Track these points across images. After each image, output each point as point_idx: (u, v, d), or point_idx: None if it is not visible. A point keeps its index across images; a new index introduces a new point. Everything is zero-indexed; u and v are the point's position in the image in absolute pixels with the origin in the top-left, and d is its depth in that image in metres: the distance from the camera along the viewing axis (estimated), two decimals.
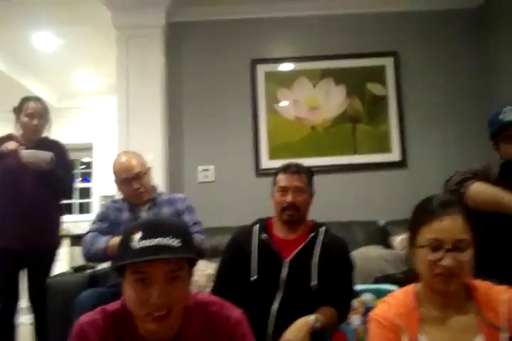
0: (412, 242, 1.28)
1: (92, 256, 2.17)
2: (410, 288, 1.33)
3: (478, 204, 1.84)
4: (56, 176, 2.63)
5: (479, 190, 1.89)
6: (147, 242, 1.09)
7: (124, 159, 2.28)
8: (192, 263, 1.19)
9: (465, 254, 1.20)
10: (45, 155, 2.57)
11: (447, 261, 1.18)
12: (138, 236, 1.10)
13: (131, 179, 2.22)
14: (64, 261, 4.87)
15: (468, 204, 1.84)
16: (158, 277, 1.09)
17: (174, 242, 1.10)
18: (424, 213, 1.26)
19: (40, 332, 2.56)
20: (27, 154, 2.54)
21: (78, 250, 5.13)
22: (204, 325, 1.21)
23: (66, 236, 5.17)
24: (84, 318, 1.19)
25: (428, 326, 1.24)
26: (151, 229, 1.12)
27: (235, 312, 1.26)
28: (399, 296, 1.32)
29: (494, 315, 1.22)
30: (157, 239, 1.09)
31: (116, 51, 3.48)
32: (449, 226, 1.20)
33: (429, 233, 1.22)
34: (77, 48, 4.65)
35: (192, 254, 1.16)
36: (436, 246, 1.20)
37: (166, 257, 1.09)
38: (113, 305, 1.22)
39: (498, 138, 1.98)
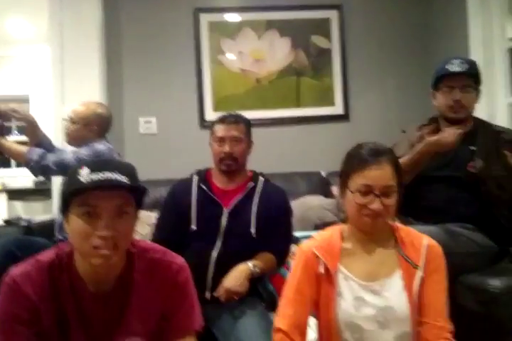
0: (344, 186, 1.37)
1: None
2: (337, 226, 1.45)
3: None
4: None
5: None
6: (95, 175, 1.09)
7: (78, 104, 2.47)
8: (138, 204, 1.19)
9: (391, 199, 1.31)
10: None
11: (375, 205, 1.29)
12: (85, 171, 1.10)
13: (67, 118, 2.44)
14: (2, 215, 4.73)
15: None
16: (107, 209, 1.10)
17: (122, 178, 1.10)
18: (356, 161, 1.34)
19: None
20: None
21: (16, 204, 5.00)
22: (147, 271, 1.23)
23: (2, 190, 5.00)
24: (16, 270, 1.16)
25: (349, 258, 1.36)
26: (98, 165, 1.13)
27: (178, 259, 1.28)
28: (325, 233, 1.44)
29: (414, 254, 1.34)
30: (106, 174, 1.09)
31: None
32: (379, 174, 1.30)
33: (360, 179, 1.31)
34: None
35: (141, 189, 1.17)
36: (365, 191, 1.30)
37: (118, 184, 1.09)
38: (46, 255, 1.20)
39: (438, 87, 2.04)
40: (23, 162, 2.32)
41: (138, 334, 1.21)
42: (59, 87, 3.24)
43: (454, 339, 1.29)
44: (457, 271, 1.57)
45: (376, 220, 1.31)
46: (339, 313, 1.31)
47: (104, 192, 1.09)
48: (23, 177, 5.32)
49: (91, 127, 2.40)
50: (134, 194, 1.16)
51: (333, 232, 1.43)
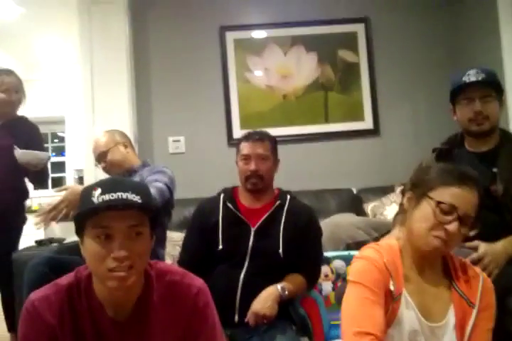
0: (421, 196, 1.24)
1: None
2: (394, 243, 1.30)
3: None
4: (44, 173, 2.55)
5: None
6: (107, 196, 1.08)
7: (95, 140, 2.38)
8: (153, 224, 1.17)
9: (465, 229, 1.20)
10: (43, 155, 2.46)
11: (453, 227, 1.17)
12: (98, 192, 1.09)
13: (99, 159, 2.32)
14: (39, 237, 4.78)
15: None
16: (120, 230, 1.08)
17: (135, 198, 1.09)
18: (451, 174, 1.23)
19: (7, 307, 2.52)
20: (24, 155, 2.40)
21: (53, 225, 5.06)
22: (165, 294, 1.20)
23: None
24: (35, 295, 1.15)
25: (409, 284, 1.24)
26: (111, 186, 1.12)
27: (197, 281, 1.24)
28: (386, 247, 1.28)
29: (470, 290, 1.23)
30: (117, 193, 1.08)
31: (78, 18, 3.34)
32: (469, 198, 1.20)
33: (449, 196, 1.19)
34: (41, 16, 4.46)
35: (153, 211, 1.16)
36: (448, 211, 1.19)
37: (130, 203, 1.08)
38: (66, 279, 1.19)
39: (456, 100, 1.93)
40: None
41: None
42: (90, 109, 3.29)
43: None
44: (502, 293, 1.47)
45: (442, 246, 1.20)
46: None
47: (117, 212, 1.08)
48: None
49: (120, 144, 2.35)
50: (149, 214, 1.14)
51: (392, 249, 1.28)
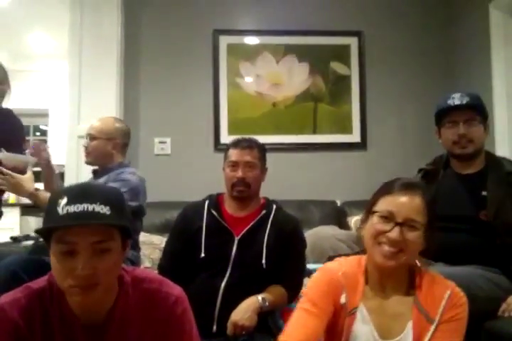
0: (368, 212, 1.30)
1: None
2: (362, 260, 1.32)
3: None
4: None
5: None
6: (72, 208, 1.01)
7: (102, 118, 2.37)
8: (126, 234, 1.11)
9: (414, 234, 1.21)
10: (30, 160, 2.36)
11: (393, 234, 1.20)
12: (63, 201, 1.02)
13: (86, 136, 2.32)
14: (15, 231, 4.66)
15: None
16: (84, 247, 1.02)
17: (103, 210, 1.03)
18: (387, 187, 1.29)
19: None
20: (11, 159, 2.24)
21: (29, 219, 4.95)
22: (141, 302, 1.16)
23: (17, 205, 4.98)
24: (5, 298, 1.10)
25: (368, 301, 1.25)
26: (77, 195, 1.04)
27: (175, 290, 1.20)
28: (351, 262, 1.32)
29: (432, 306, 1.23)
30: (83, 205, 1.01)
31: (69, 13, 3.29)
32: (406, 203, 1.23)
33: (386, 204, 1.24)
34: (31, 6, 4.38)
35: (123, 223, 1.09)
36: (388, 217, 1.22)
37: (96, 218, 1.01)
38: (38, 282, 1.14)
39: (441, 123, 1.95)
40: None
41: None
42: (75, 104, 3.25)
43: None
44: (481, 316, 1.46)
45: (395, 255, 1.20)
46: None
47: (82, 227, 1.02)
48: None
49: (114, 141, 2.31)
50: (118, 225, 1.08)
51: (359, 263, 1.30)
